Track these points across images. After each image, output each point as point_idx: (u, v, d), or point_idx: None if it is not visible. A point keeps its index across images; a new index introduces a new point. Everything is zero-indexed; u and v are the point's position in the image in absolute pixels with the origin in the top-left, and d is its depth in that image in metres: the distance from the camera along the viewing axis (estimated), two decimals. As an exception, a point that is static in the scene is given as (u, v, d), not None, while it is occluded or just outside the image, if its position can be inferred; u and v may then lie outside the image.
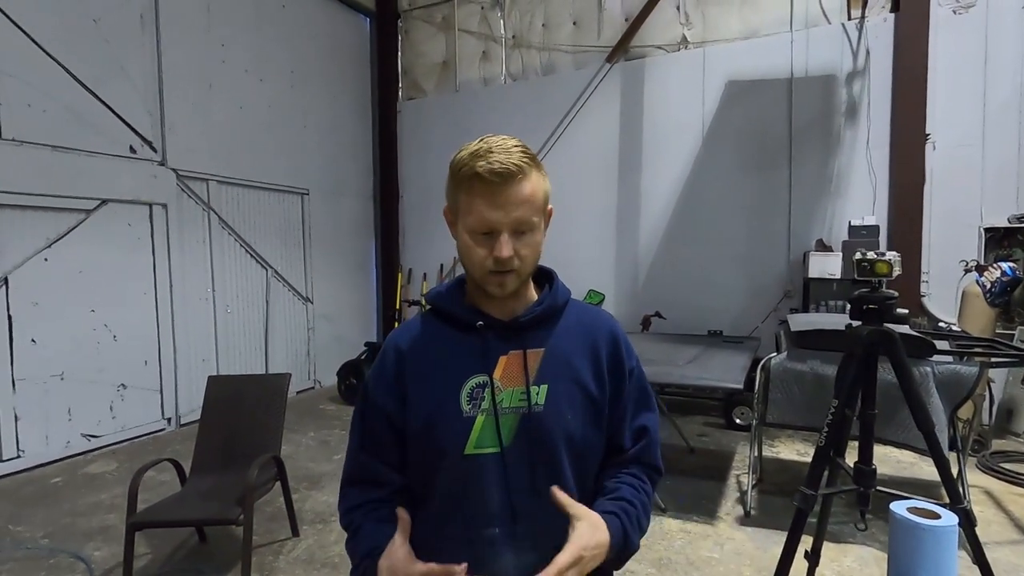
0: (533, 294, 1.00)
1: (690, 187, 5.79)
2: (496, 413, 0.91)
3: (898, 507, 0.98)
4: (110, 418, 4.58)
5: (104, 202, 4.50)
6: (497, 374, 0.92)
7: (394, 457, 0.98)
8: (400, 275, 7.25)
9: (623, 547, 0.90)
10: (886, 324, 1.47)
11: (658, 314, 5.57)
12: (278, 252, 6.09)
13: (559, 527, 0.92)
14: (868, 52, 5.04)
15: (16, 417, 4.01)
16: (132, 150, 4.71)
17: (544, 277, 1.03)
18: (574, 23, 6.29)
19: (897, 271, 1.45)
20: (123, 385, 4.67)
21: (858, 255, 1.50)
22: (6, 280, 3.95)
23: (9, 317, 3.97)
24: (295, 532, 3.08)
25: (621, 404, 1.00)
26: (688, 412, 5.24)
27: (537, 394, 0.92)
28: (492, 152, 0.84)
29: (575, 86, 6.22)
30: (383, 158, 7.35)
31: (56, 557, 2.89)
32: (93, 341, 4.46)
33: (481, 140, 0.88)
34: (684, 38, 5.78)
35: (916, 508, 0.96)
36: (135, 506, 2.49)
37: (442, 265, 7.08)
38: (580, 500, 0.96)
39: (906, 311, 1.48)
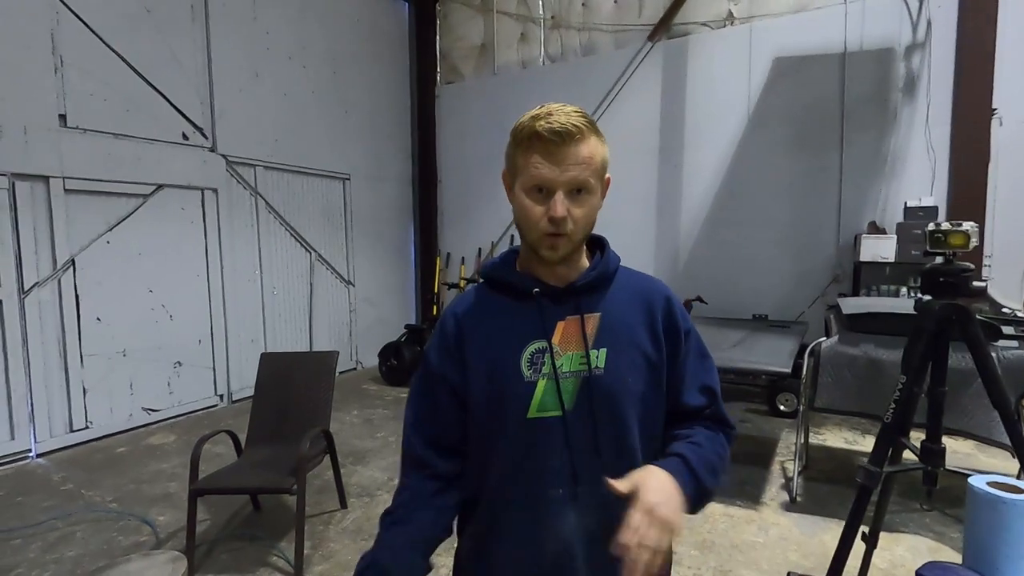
0: (586, 261, 1.00)
1: (734, 168, 5.64)
2: (557, 377, 0.92)
3: (977, 481, 0.95)
4: (167, 393, 4.82)
5: (160, 187, 4.69)
6: (556, 339, 0.94)
7: (453, 432, 0.99)
8: (438, 259, 7.32)
9: (696, 487, 0.88)
10: (960, 299, 1.41)
11: (699, 298, 5.46)
12: (321, 236, 6.24)
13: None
14: (929, 23, 4.77)
15: (84, 390, 4.26)
16: (185, 137, 4.88)
17: (595, 244, 1.04)
18: (615, 1, 6.16)
19: (974, 242, 1.38)
20: (179, 362, 4.90)
21: (931, 226, 1.43)
22: (73, 262, 4.18)
23: (76, 296, 4.20)
24: (343, 504, 3.19)
25: (681, 365, 1.00)
26: (729, 398, 5.15)
27: (597, 358, 0.94)
28: (552, 114, 0.86)
29: (616, 66, 6.10)
30: (422, 142, 7.40)
31: (124, 520, 3.08)
32: (151, 320, 4.68)
33: (542, 106, 0.89)
34: (730, 13, 5.59)
35: (995, 483, 0.92)
36: (196, 473, 2.62)
37: (480, 249, 7.11)
38: (645, 460, 0.96)
39: (984, 283, 1.41)
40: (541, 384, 0.92)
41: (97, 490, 3.46)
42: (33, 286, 3.96)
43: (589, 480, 0.93)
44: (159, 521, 3.07)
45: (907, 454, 1.66)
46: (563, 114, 0.86)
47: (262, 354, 3.33)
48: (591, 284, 0.97)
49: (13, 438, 3.88)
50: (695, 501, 0.87)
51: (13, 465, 3.85)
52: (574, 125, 0.85)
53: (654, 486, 0.81)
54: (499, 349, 0.95)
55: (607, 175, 0.94)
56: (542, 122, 0.85)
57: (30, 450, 3.96)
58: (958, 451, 3.77)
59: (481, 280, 1.06)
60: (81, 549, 2.78)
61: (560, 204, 0.86)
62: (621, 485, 0.82)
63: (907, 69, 4.90)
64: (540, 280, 0.96)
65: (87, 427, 4.27)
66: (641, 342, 0.97)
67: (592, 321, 0.96)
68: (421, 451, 0.99)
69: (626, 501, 0.94)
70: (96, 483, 3.56)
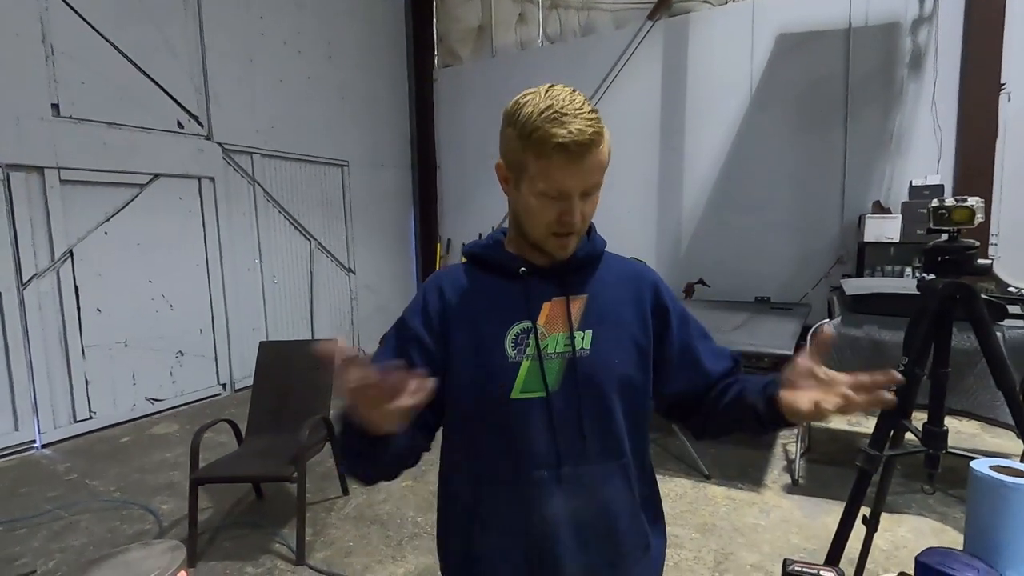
0: None
1: (737, 149, 5.55)
2: (541, 358, 0.91)
3: (980, 465, 0.92)
4: (170, 383, 4.83)
5: (156, 176, 4.66)
6: (541, 320, 0.93)
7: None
8: (439, 245, 7.29)
9: None
10: (964, 277, 1.37)
11: (702, 281, 5.43)
12: (320, 224, 6.21)
13: (603, 470, 0.94)
14: (937, -4, 4.65)
15: (87, 381, 4.27)
16: (180, 125, 4.83)
17: None
18: (614, -21, 6.03)
19: (980, 218, 1.34)
20: (181, 352, 4.90)
21: (935, 202, 1.39)
22: (72, 253, 4.17)
23: (76, 288, 4.20)
24: (345, 491, 3.20)
25: (685, 345, 1.00)
26: (732, 381, 5.13)
27: (582, 339, 0.93)
28: (567, 116, 0.80)
29: (615, 46, 6.00)
30: (420, 127, 7.32)
31: (128, 509, 3.10)
32: (152, 310, 4.68)
33: (548, 96, 0.83)
34: (732, -10, 5.47)
35: (998, 467, 0.90)
36: (197, 462, 2.63)
37: (480, 234, 7.02)
38: (631, 443, 0.97)
39: (988, 262, 1.37)
40: (525, 365, 0.91)
41: (101, 479, 3.48)
42: (32, 278, 3.96)
43: (573, 462, 0.92)
44: (162, 510, 3.09)
45: (909, 436, 1.64)
46: (580, 118, 0.81)
47: (261, 343, 3.33)
48: (579, 264, 0.96)
49: (17, 429, 3.91)
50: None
51: (18, 456, 3.88)
52: (596, 133, 0.82)
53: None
54: (483, 329, 0.94)
55: None
56: (561, 129, 0.80)
57: (34, 441, 3.99)
58: (963, 432, 3.75)
59: (465, 260, 1.04)
60: (85, 538, 2.80)
61: (578, 212, 0.86)
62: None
63: (913, 44, 4.79)
64: (528, 260, 0.95)
65: (91, 417, 4.30)
66: (628, 323, 0.96)
67: (578, 303, 0.95)
68: None
69: (610, 483, 0.94)
70: (100, 473, 3.59)
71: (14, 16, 3.82)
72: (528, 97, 0.85)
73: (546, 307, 0.94)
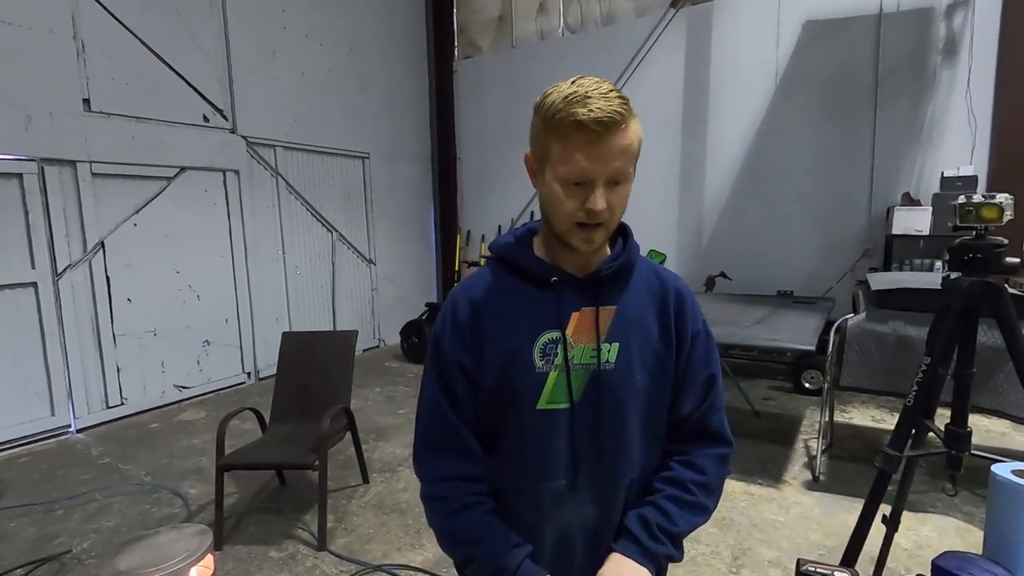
0: (607, 249, 0.96)
1: (761, 139, 5.45)
2: (568, 370, 0.90)
3: (1001, 469, 0.90)
4: (198, 371, 4.97)
5: (183, 169, 4.76)
6: (569, 330, 0.91)
7: (471, 416, 0.95)
8: (458, 236, 7.32)
9: (657, 565, 0.92)
10: (991, 276, 1.33)
11: (723, 274, 5.36)
12: (342, 215, 6.28)
13: (616, 483, 0.94)
14: (974, -21, 4.47)
15: (118, 369, 4.42)
16: (205, 119, 4.92)
17: (618, 231, 0.98)
18: (636, -33, 5.93)
19: (1008, 216, 1.29)
20: (207, 341, 5.03)
21: (961, 199, 1.34)
22: (103, 244, 4.30)
23: (107, 278, 4.33)
24: (365, 479, 3.26)
25: (683, 366, 0.97)
26: (753, 375, 5.08)
27: (608, 352, 0.91)
28: (590, 98, 0.78)
29: (637, 35, 5.91)
30: (440, 119, 7.33)
31: (158, 492, 3.21)
32: (179, 300, 4.81)
33: (574, 83, 0.82)
34: (758, -24, 5.33)
35: (1021, 471, 0.88)
36: (223, 449, 2.70)
37: (500, 226, 7.07)
38: (644, 458, 0.97)
39: (1017, 260, 1.32)
40: (553, 376, 0.90)
41: (132, 464, 3.61)
42: (66, 268, 4.09)
43: (589, 472, 0.93)
44: (190, 494, 3.19)
45: (932, 436, 1.61)
46: (603, 98, 0.79)
47: (284, 333, 3.40)
48: (611, 276, 0.93)
49: (54, 414, 4.06)
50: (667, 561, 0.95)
51: (55, 440, 4.04)
52: (618, 112, 0.78)
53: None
54: (513, 337, 0.92)
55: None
56: (582, 108, 0.78)
57: (70, 425, 4.15)
58: (992, 430, 3.66)
59: (491, 258, 1.01)
60: (118, 520, 2.91)
61: (601, 198, 0.82)
62: None
63: (948, 30, 4.62)
64: (559, 267, 0.92)
65: (122, 403, 4.44)
66: (652, 339, 0.95)
67: (607, 314, 0.93)
68: (457, 434, 0.94)
69: (622, 496, 0.95)
70: (131, 457, 3.72)
71: (47, 14, 3.93)
72: (555, 87, 0.84)
73: (575, 317, 0.92)
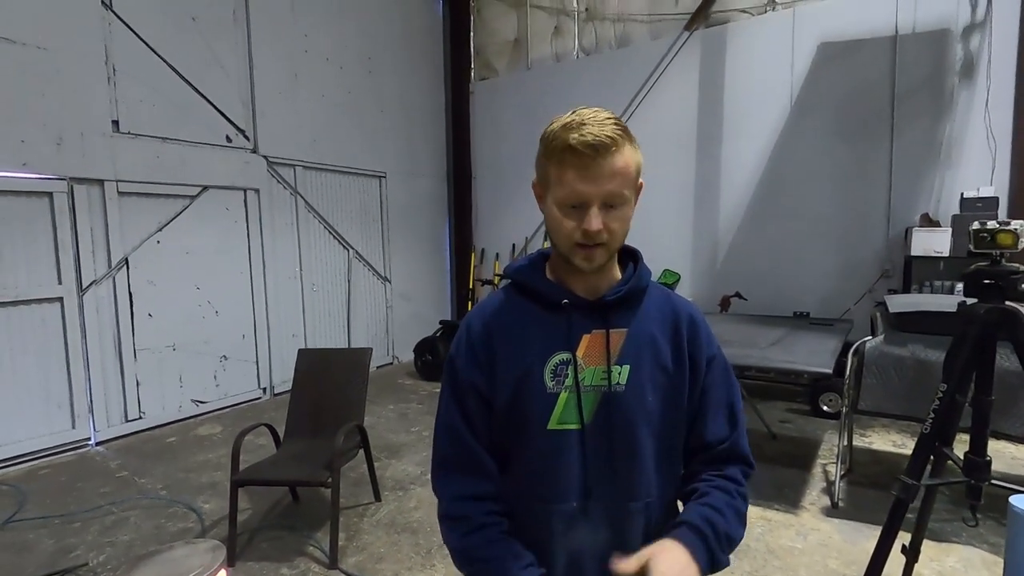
0: (617, 272, 0.98)
1: (776, 159, 5.44)
2: (579, 391, 0.91)
3: (1019, 500, 0.89)
4: (214, 386, 5.03)
5: (205, 188, 4.89)
6: (580, 352, 0.92)
7: (485, 436, 0.97)
8: (473, 255, 7.37)
9: (710, 564, 0.88)
10: (1008, 302, 1.31)
11: (738, 294, 5.31)
12: (358, 233, 6.37)
13: (630, 506, 0.94)
14: (989, 0, 4.46)
15: (138, 383, 4.50)
16: (228, 139, 5.06)
17: (628, 256, 1.01)
18: (650, -9, 6.02)
19: (1024, 243, 1.29)
20: (225, 356, 5.10)
21: (976, 225, 1.34)
22: (127, 261, 4.41)
23: (130, 294, 4.43)
24: (377, 497, 3.26)
25: (703, 392, 0.98)
26: (770, 397, 5.00)
27: (619, 374, 0.92)
28: (585, 124, 0.83)
29: (651, 57, 5.97)
30: (456, 139, 7.44)
31: (173, 507, 3.24)
32: (199, 316, 4.90)
33: (573, 112, 0.86)
34: (772, -1, 5.38)
35: (1040, 503, 0.86)
36: (238, 465, 2.73)
37: (514, 245, 7.12)
38: (659, 482, 0.96)
39: (1034, 287, 1.31)
40: (563, 397, 0.92)
41: (149, 478, 3.65)
42: (90, 284, 4.20)
43: (601, 495, 0.93)
44: (204, 509, 3.21)
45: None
46: (596, 124, 0.83)
47: (299, 350, 3.44)
48: (621, 299, 0.95)
49: (74, 427, 4.14)
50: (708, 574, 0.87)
51: (75, 452, 4.11)
52: (608, 136, 0.82)
53: (667, 565, 0.80)
54: (524, 358, 0.94)
55: (640, 180, 0.91)
56: (574, 134, 0.82)
57: (90, 438, 4.22)
58: (1019, 456, 3.55)
59: (506, 281, 1.04)
60: (134, 533, 2.94)
61: (595, 219, 0.84)
62: (632, 563, 0.80)
63: (965, 51, 4.60)
64: (570, 290, 0.95)
65: (141, 417, 4.51)
66: (665, 362, 0.95)
67: (618, 337, 0.94)
68: (473, 454, 0.96)
69: (635, 520, 0.94)
70: (148, 471, 3.76)
71: (82, 40, 4.09)
72: (558, 117, 0.88)
73: (585, 339, 0.93)
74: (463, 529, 0.93)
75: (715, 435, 0.98)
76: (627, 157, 0.85)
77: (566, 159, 0.84)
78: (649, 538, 0.94)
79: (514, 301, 0.99)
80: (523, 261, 1.02)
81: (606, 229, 0.86)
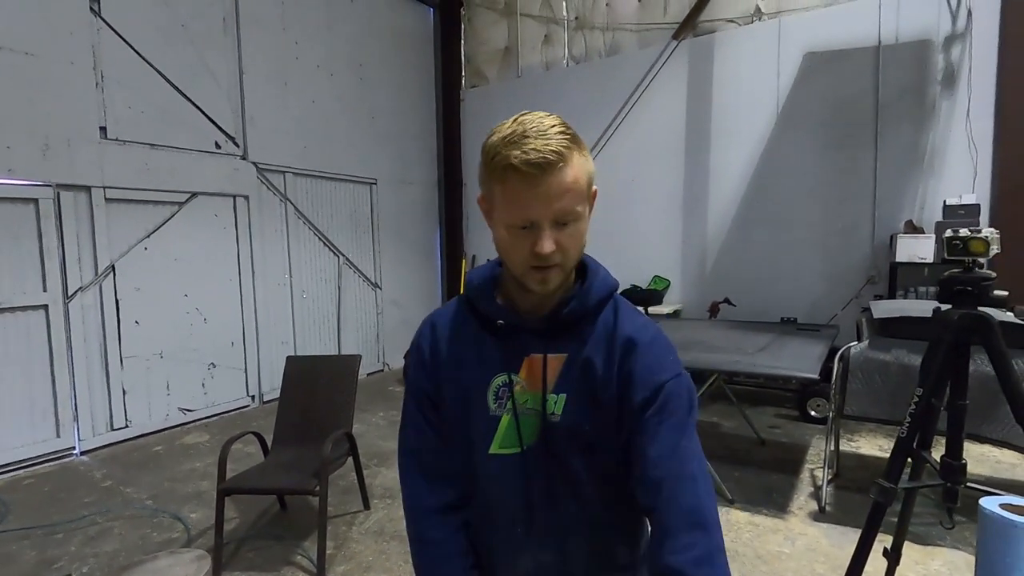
0: (569, 289, 0.91)
1: (763, 167, 5.50)
2: (516, 414, 0.88)
3: (989, 503, 0.91)
4: (202, 394, 4.99)
5: (194, 195, 4.87)
6: (522, 374, 0.88)
7: (439, 436, 0.97)
8: (464, 261, 7.38)
9: None
10: (981, 308, 1.34)
11: (727, 300, 5.35)
12: (349, 240, 6.36)
13: (573, 531, 0.92)
14: (970, 12, 4.56)
15: (124, 391, 4.45)
16: (217, 145, 5.05)
17: (579, 271, 0.91)
18: (639, 0, 6.09)
19: (995, 250, 1.31)
20: (213, 364, 5.06)
21: (949, 232, 1.37)
22: (113, 267, 4.37)
23: (117, 301, 4.40)
24: (366, 505, 3.25)
25: (644, 425, 0.83)
26: (759, 403, 5.03)
27: (555, 403, 0.87)
28: (527, 138, 0.75)
29: (640, 66, 6.04)
30: (447, 146, 7.47)
31: (159, 517, 3.20)
32: (187, 323, 4.86)
33: (515, 121, 0.79)
34: (757, 9, 5.46)
35: (1010, 505, 0.88)
36: (224, 474, 2.71)
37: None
38: (603, 502, 0.92)
39: (1005, 293, 1.34)
40: (505, 420, 0.89)
41: (134, 487, 3.61)
42: (76, 291, 4.16)
43: (544, 520, 0.91)
44: (191, 518, 3.18)
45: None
46: (540, 136, 0.75)
47: (288, 357, 3.42)
48: (566, 321, 0.88)
49: (59, 436, 4.09)
50: None
51: (59, 462, 4.05)
52: (553, 152, 0.74)
53: None
54: (469, 378, 0.91)
55: (594, 188, 0.84)
56: (516, 151, 0.74)
57: (74, 448, 4.16)
58: (1003, 460, 3.60)
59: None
60: (118, 544, 2.91)
61: (547, 240, 0.77)
62: None
63: (946, 61, 4.69)
64: (514, 310, 0.90)
65: (126, 426, 4.46)
66: (605, 390, 0.86)
67: (556, 362, 0.88)
68: (436, 451, 0.97)
69: (581, 544, 0.93)
70: (134, 480, 3.72)
71: (70, 47, 4.08)
72: (500, 126, 0.80)
73: (527, 362, 0.89)
74: (427, 555, 0.98)
75: (645, 500, 0.81)
76: (576, 170, 0.78)
77: (509, 178, 0.76)
78: (594, 563, 0.94)
79: (464, 318, 0.95)
80: (482, 271, 0.96)
81: (559, 249, 0.79)
